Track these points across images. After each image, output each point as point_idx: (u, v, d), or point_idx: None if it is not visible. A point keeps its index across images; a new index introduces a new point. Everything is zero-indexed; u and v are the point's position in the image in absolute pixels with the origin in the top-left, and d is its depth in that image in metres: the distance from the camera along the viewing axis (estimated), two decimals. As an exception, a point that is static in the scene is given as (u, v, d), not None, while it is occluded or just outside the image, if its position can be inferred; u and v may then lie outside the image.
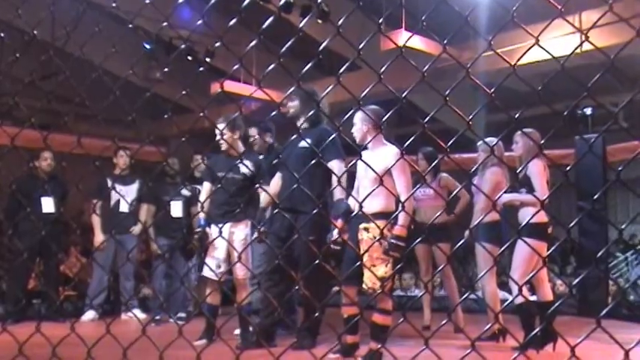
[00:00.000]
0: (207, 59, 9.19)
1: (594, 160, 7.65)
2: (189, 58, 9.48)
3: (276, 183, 5.07)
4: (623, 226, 1.48)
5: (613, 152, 7.99)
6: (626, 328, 5.65)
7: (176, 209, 6.87)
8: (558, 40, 6.82)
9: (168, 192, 6.93)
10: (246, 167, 5.00)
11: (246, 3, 1.81)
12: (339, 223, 4.31)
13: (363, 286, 4.19)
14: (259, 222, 5.14)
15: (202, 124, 10.12)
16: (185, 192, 6.99)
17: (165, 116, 9.51)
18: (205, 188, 5.23)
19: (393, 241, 4.02)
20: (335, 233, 4.46)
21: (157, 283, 6.98)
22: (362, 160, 3.91)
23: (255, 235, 5.04)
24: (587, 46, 1.60)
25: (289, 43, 1.58)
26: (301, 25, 7.13)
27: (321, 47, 1.54)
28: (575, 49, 1.35)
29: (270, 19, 1.74)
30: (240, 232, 5.00)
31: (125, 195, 6.85)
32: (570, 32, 6.74)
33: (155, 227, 6.98)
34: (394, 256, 4.07)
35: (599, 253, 6.58)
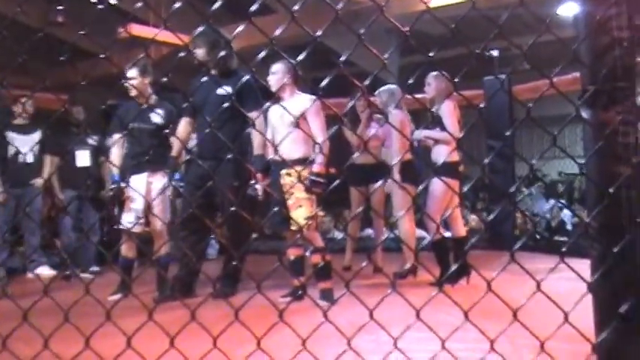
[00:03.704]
0: (113, 1, 8.76)
1: (502, 100, 7.94)
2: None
3: (184, 129, 4.93)
4: (533, 161, 1.55)
5: (518, 92, 8.31)
6: (531, 258, 5.99)
7: (82, 159, 6.58)
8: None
9: (74, 141, 6.62)
10: (158, 115, 4.85)
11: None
12: (260, 176, 4.42)
13: (292, 227, 4.36)
14: (173, 171, 5.03)
15: (110, 70, 9.73)
16: (91, 141, 6.71)
17: (62, 58, 9.00)
18: (115, 139, 5.04)
19: (313, 178, 4.23)
20: (257, 185, 4.50)
21: (64, 236, 6.68)
22: (280, 108, 3.94)
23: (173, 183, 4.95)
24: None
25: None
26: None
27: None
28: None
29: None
30: (157, 182, 4.88)
31: (24, 145, 6.34)
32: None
33: (60, 179, 6.68)
34: (316, 192, 4.27)
35: (512, 188, 6.88)
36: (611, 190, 1.61)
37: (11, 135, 6.41)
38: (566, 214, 9.31)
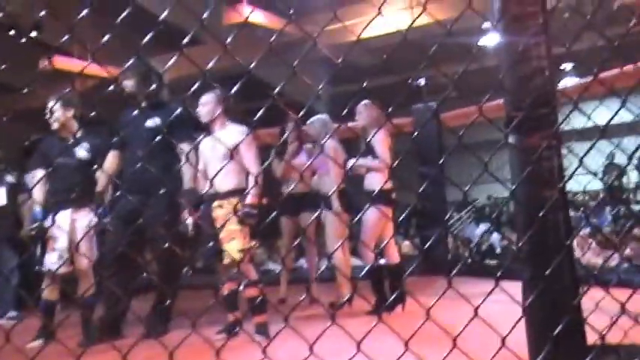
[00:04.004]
0: (34, 33, 8.52)
1: (430, 127, 8.14)
2: (13, 32, 8.73)
3: (111, 163, 4.80)
4: (466, 188, 1.58)
5: (445, 120, 8.54)
6: (464, 283, 6.09)
7: None
8: (391, 16, 7.13)
9: None
10: (83, 150, 4.68)
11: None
12: (191, 210, 4.34)
13: (224, 261, 4.25)
14: (99, 206, 4.84)
15: (32, 104, 9.43)
16: (9, 178, 6.44)
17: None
18: (38, 175, 4.82)
19: (246, 209, 4.17)
20: (188, 219, 4.40)
21: None
22: (211, 139, 3.91)
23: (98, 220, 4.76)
24: (418, 21, 1.69)
25: (126, 12, 1.49)
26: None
27: (163, 15, 1.46)
28: (417, 17, 1.41)
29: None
30: (82, 219, 4.67)
31: None
32: (401, 9, 7.05)
33: None
34: (250, 224, 4.22)
35: (448, 215, 7.00)
36: (540, 214, 1.66)
37: None
38: (495, 237, 9.55)
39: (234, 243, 4.20)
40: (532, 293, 1.67)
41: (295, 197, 5.74)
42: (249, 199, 4.24)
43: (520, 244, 1.72)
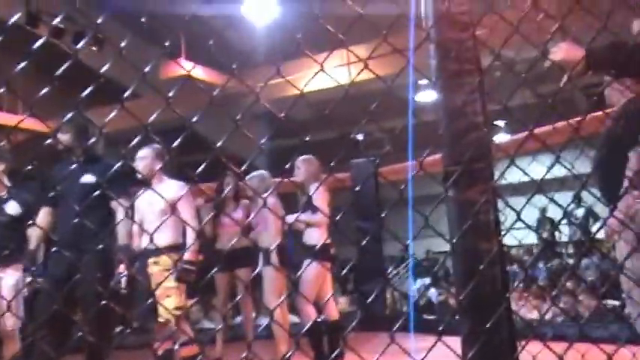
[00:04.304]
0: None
1: (368, 182, 8.24)
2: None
3: (43, 219, 4.64)
4: (408, 242, 1.58)
5: (383, 174, 8.67)
6: (403, 338, 6.09)
7: None
8: (330, 72, 7.26)
9: None
10: (13, 206, 4.54)
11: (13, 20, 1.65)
12: (125, 266, 4.22)
13: (159, 319, 4.18)
14: (31, 264, 4.66)
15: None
16: None
17: None
18: None
19: (184, 266, 4.14)
20: (123, 276, 4.27)
21: None
22: (148, 194, 3.84)
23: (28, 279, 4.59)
24: (360, 77, 1.72)
25: (64, 66, 1.46)
26: (77, 47, 6.72)
27: (103, 69, 1.44)
28: (359, 73, 1.44)
29: (39, 42, 1.60)
30: (9, 278, 4.49)
31: None
32: (338, 65, 7.21)
33: None
34: (186, 280, 4.16)
35: (391, 269, 7.03)
36: (478, 268, 1.68)
37: None
38: (433, 292, 9.63)
39: (169, 300, 4.12)
40: (471, 347, 1.67)
41: (232, 253, 5.66)
42: (187, 255, 4.19)
43: (459, 298, 1.73)
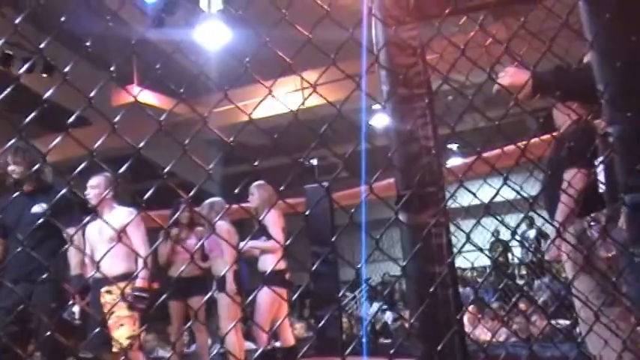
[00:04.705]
0: None
1: (322, 206, 8.25)
2: None
3: None
4: (359, 266, 1.59)
5: (337, 199, 8.70)
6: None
7: None
8: (283, 98, 7.29)
9: None
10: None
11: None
12: (78, 296, 4.16)
13: (113, 349, 4.12)
14: None
15: None
16: None
17: None
18: None
19: (136, 293, 4.11)
20: (75, 306, 4.20)
21: None
22: (98, 223, 3.78)
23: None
24: (309, 103, 1.73)
25: (7, 90, 1.42)
26: (20, 71, 6.56)
27: (46, 94, 1.41)
28: (307, 97, 1.45)
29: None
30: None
31: None
32: (292, 91, 7.26)
33: None
34: (139, 308, 4.14)
35: (346, 293, 7.02)
36: (430, 290, 1.69)
37: None
38: (388, 315, 9.65)
39: (122, 329, 4.08)
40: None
41: (185, 280, 5.59)
42: (138, 283, 4.15)
43: (412, 320, 1.73)
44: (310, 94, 1.52)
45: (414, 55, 1.74)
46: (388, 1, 1.73)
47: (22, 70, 6.64)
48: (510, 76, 2.22)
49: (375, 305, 10.17)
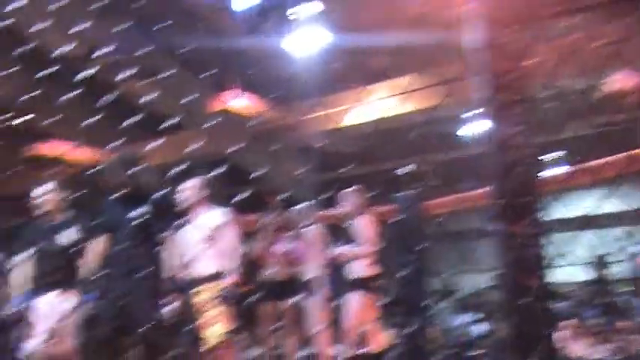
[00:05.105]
0: (18, 120, 8.61)
1: (413, 215, 8.15)
2: None
3: (96, 248, 4.78)
4: (444, 275, 1.55)
5: (428, 207, 8.56)
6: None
7: None
8: (376, 104, 7.27)
9: None
10: (68, 234, 4.72)
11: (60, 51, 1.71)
12: (172, 296, 4.34)
13: (206, 346, 4.22)
14: (86, 290, 4.81)
15: (12, 190, 9.37)
16: None
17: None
18: (22, 259, 4.79)
19: (227, 291, 4.21)
20: (170, 306, 4.39)
21: None
22: (192, 224, 3.93)
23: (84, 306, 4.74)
24: (402, 110, 1.71)
25: (110, 97, 1.49)
26: (118, 78, 6.86)
27: (146, 99, 1.47)
28: (392, 107, 1.43)
29: (85, 73, 1.65)
30: (66, 303, 4.64)
31: None
32: (385, 97, 7.21)
33: None
34: (229, 305, 4.22)
35: (435, 303, 6.92)
36: (522, 302, 1.63)
37: None
38: (477, 328, 9.40)
39: (216, 327, 4.19)
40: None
41: (275, 283, 5.69)
42: (230, 280, 4.25)
43: (503, 332, 1.68)
44: (401, 100, 1.51)
45: (514, 60, 1.69)
46: (491, 3, 1.68)
47: (123, 77, 6.95)
48: (619, 81, 2.12)
49: (465, 317, 9.93)
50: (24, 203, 4.79)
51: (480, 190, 6.23)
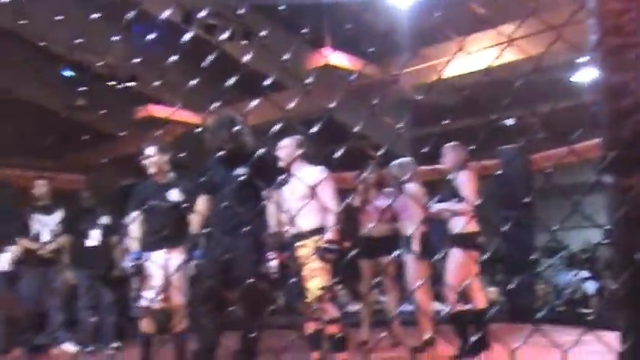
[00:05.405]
0: (130, 83, 9.01)
1: (519, 168, 7.90)
2: (111, 83, 9.26)
3: (202, 206, 4.96)
4: (554, 228, 1.50)
5: (535, 161, 8.26)
6: (555, 331, 5.79)
7: (92, 238, 6.84)
8: (477, 55, 7.01)
9: (86, 221, 6.89)
10: (175, 193, 4.94)
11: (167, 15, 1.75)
12: (276, 252, 4.48)
13: (307, 299, 4.38)
14: (193, 248, 5.04)
15: (126, 151, 9.88)
16: (104, 220, 6.90)
17: (84, 139, 9.24)
18: (134, 217, 5.06)
19: (326, 246, 4.29)
20: (274, 261, 4.53)
21: (83, 314, 6.83)
22: (291, 181, 4.01)
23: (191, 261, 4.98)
24: (506, 59, 1.64)
25: (210, 58, 1.52)
26: (220, 39, 6.98)
27: (245, 59, 1.49)
28: (502, 52, 1.37)
29: (187, 35, 1.69)
30: (175, 259, 4.89)
31: (46, 224, 6.66)
32: (488, 47, 6.94)
33: (73, 257, 6.85)
34: (328, 260, 4.32)
35: (542, 259, 6.76)
36: (637, 258, 1.55)
37: (36, 216, 6.72)
38: (589, 285, 9.07)
39: (315, 281, 4.32)
40: (628, 343, 1.55)
41: (375, 240, 5.74)
42: (328, 236, 4.35)
43: (615, 290, 1.61)
44: (505, 49, 1.44)
45: (628, 0, 1.56)
46: None
47: (223, 38, 7.09)
48: None
49: (574, 274, 9.59)
50: (136, 164, 5.04)
51: (591, 142, 5.94)
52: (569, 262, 10.41)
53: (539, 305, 8.26)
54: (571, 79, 8.87)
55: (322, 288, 4.29)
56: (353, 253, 5.33)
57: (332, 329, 4.39)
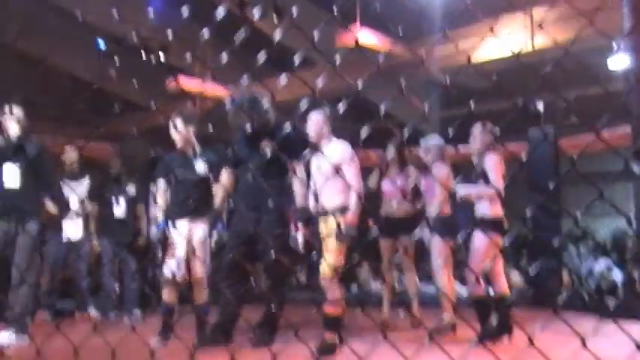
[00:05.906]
0: (161, 54, 9.07)
1: (547, 153, 7.80)
2: (144, 53, 9.32)
3: (227, 179, 5.03)
4: (578, 213, 1.49)
5: (565, 146, 8.14)
6: (579, 319, 5.76)
7: (119, 208, 6.95)
8: (509, 37, 6.90)
9: (113, 190, 6.98)
10: (202, 165, 4.99)
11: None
12: (300, 226, 4.53)
13: (322, 276, 4.39)
14: (216, 221, 5.12)
15: (156, 122, 9.97)
16: (130, 190, 7.00)
17: (115, 109, 9.34)
18: (160, 187, 5.14)
19: (345, 229, 4.30)
20: (298, 235, 4.58)
21: (107, 282, 6.95)
22: (317, 157, 4.03)
23: (214, 234, 5.05)
24: (537, 43, 1.62)
25: (242, 34, 1.53)
26: (255, 17, 7.00)
27: (277, 36, 1.50)
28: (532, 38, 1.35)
29: (219, 10, 1.70)
30: (199, 230, 4.95)
31: (74, 190, 6.77)
32: (518, 29, 6.83)
33: (98, 225, 6.95)
34: (345, 240, 4.33)
35: (556, 243, 6.71)
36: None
37: (66, 182, 6.80)
38: (616, 274, 8.97)
39: (328, 257, 4.34)
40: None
41: (398, 220, 5.76)
42: (348, 218, 4.36)
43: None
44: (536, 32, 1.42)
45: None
46: None
47: (255, 15, 7.09)
48: None
49: (603, 262, 9.48)
50: (166, 135, 5.10)
51: (621, 130, 5.83)
52: (596, 250, 10.30)
53: (565, 292, 8.20)
54: (596, 67, 8.66)
55: (332, 266, 4.30)
56: (375, 231, 5.34)
57: (330, 309, 4.40)
